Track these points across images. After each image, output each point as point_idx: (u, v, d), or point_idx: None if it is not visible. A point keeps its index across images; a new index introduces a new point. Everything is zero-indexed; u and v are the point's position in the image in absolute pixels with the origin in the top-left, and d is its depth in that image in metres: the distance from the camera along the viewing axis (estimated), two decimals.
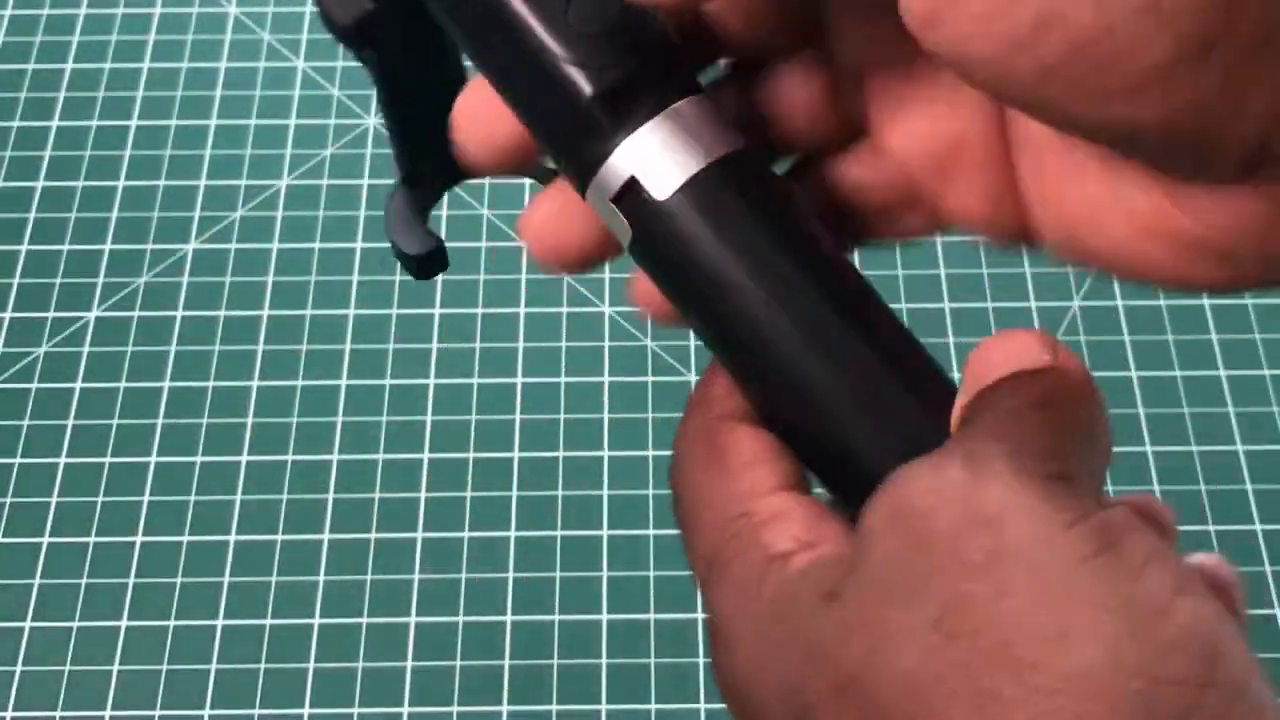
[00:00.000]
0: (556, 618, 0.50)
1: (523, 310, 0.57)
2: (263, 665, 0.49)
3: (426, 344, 0.56)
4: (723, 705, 0.49)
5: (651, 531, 0.52)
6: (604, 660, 0.49)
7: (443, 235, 0.59)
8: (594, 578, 0.51)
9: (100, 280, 0.58)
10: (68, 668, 0.49)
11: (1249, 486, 0.53)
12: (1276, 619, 0.50)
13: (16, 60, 0.65)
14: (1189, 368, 0.56)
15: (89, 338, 0.57)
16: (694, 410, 0.26)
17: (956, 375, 0.30)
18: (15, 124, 0.63)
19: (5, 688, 0.49)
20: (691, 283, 0.25)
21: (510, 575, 0.51)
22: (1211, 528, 0.52)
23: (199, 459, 0.54)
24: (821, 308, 0.24)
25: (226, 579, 0.51)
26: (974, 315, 0.57)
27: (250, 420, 0.55)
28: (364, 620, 0.50)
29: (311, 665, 0.49)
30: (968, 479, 0.21)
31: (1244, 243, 0.23)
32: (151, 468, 0.54)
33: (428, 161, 0.30)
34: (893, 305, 0.57)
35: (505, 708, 0.49)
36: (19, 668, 0.49)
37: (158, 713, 0.49)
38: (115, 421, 0.55)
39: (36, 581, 0.51)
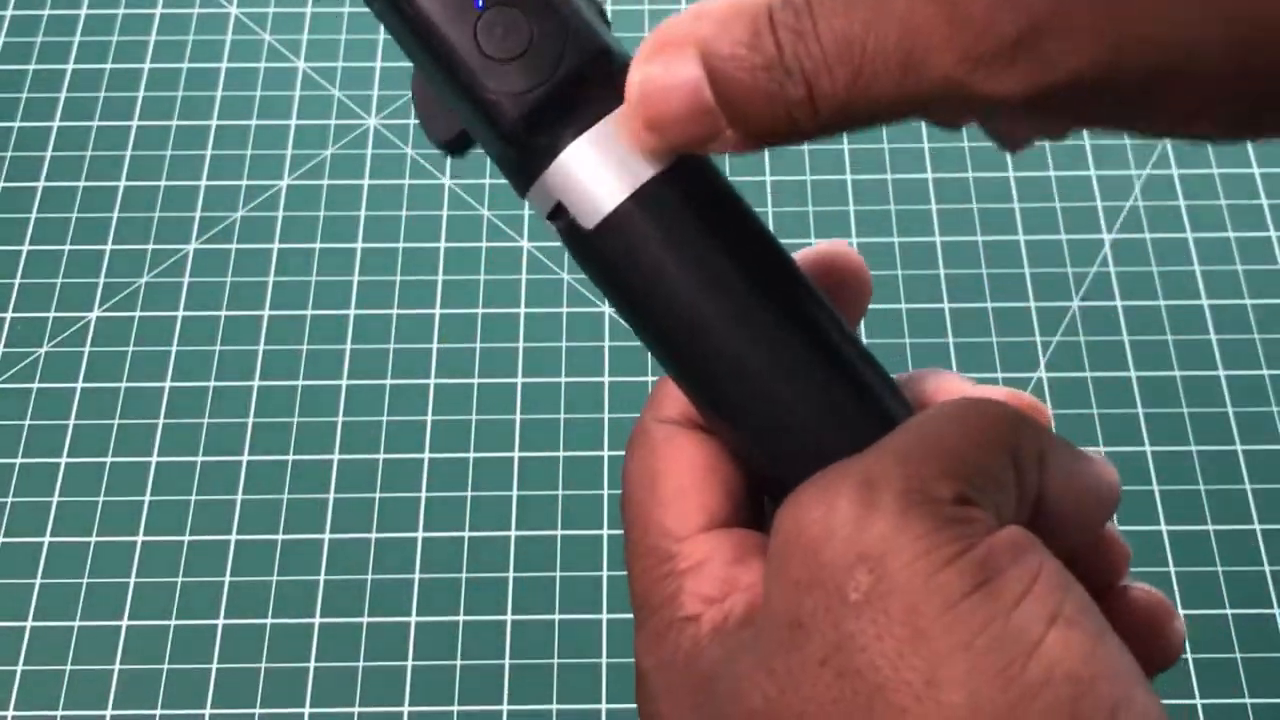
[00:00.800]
0: (556, 618, 0.50)
1: (523, 310, 0.57)
2: (263, 665, 0.50)
3: (427, 344, 0.56)
4: None
5: None
6: (604, 660, 0.49)
7: (443, 236, 0.59)
8: (594, 578, 0.51)
9: (101, 280, 0.58)
10: (68, 668, 0.50)
11: (1249, 486, 0.53)
12: (1276, 619, 0.50)
13: (17, 60, 0.65)
14: (1189, 368, 0.56)
15: (90, 338, 0.57)
16: (645, 407, 0.26)
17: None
18: (16, 124, 0.63)
19: (6, 688, 0.49)
20: (619, 302, 0.25)
21: (510, 575, 0.51)
22: (1211, 528, 0.52)
23: (199, 459, 0.54)
24: (756, 332, 0.24)
25: (226, 579, 0.51)
26: (974, 315, 0.57)
27: (250, 420, 0.55)
28: (364, 620, 0.50)
29: (311, 665, 0.49)
30: (854, 511, 0.21)
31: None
32: (152, 468, 0.54)
33: None
34: (892, 305, 0.57)
35: (505, 708, 0.49)
36: (19, 667, 0.50)
37: (158, 713, 0.49)
38: (116, 421, 0.55)
39: (37, 581, 0.51)
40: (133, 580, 0.51)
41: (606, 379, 0.56)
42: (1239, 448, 0.54)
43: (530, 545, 0.52)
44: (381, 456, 0.54)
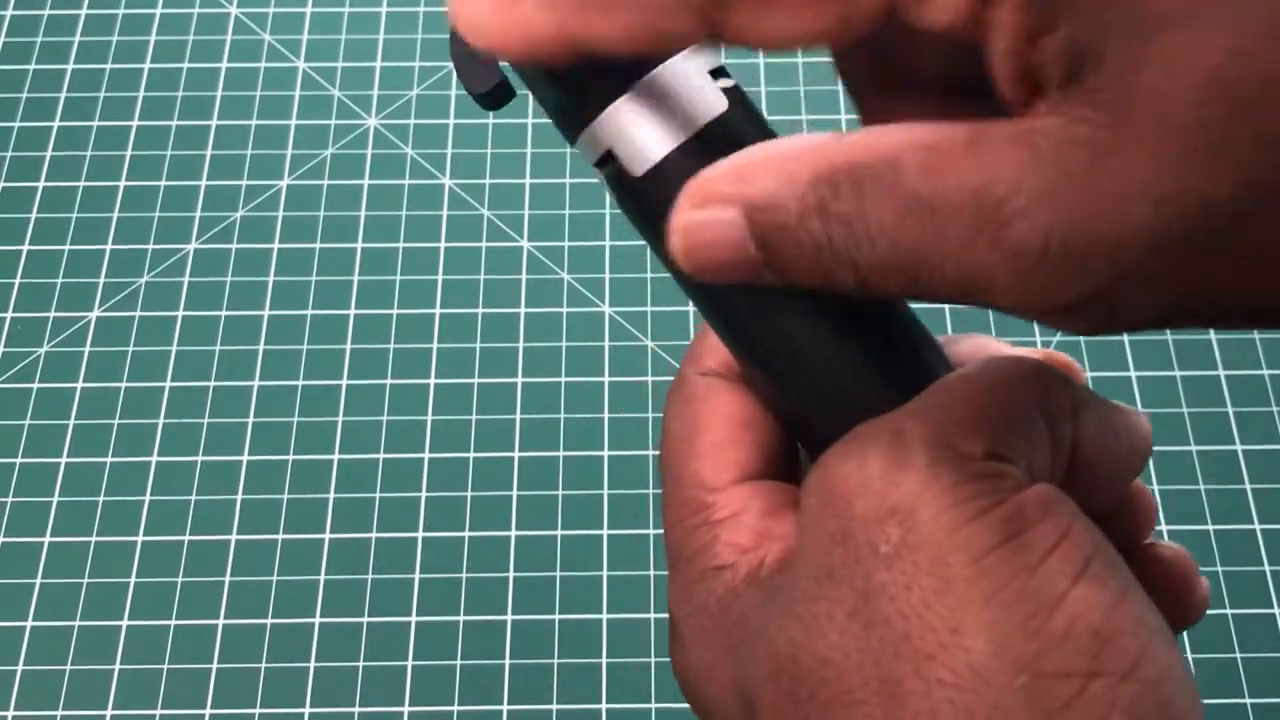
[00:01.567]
0: (556, 618, 0.50)
1: (523, 310, 0.57)
2: (263, 665, 0.50)
3: (427, 344, 0.56)
4: None
5: (651, 531, 0.52)
6: (604, 660, 0.49)
7: (443, 236, 0.59)
8: (594, 578, 0.51)
9: (101, 280, 0.58)
10: (68, 668, 0.50)
11: (1249, 486, 0.53)
12: (1276, 619, 0.50)
13: (17, 61, 0.65)
14: (1189, 368, 0.56)
15: (90, 338, 0.57)
16: (685, 360, 0.26)
17: None
18: (16, 124, 0.63)
19: (6, 688, 0.49)
20: (664, 251, 0.25)
21: (510, 575, 0.51)
22: (1211, 528, 0.52)
23: (199, 459, 0.54)
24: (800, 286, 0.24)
25: (227, 579, 0.51)
26: (974, 315, 0.57)
27: (251, 420, 0.55)
28: (364, 620, 0.50)
29: (311, 665, 0.50)
30: (885, 466, 0.21)
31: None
32: (152, 468, 0.54)
33: None
34: None
35: (505, 708, 0.49)
36: (19, 667, 0.50)
37: (158, 713, 0.49)
38: (116, 421, 0.55)
39: (37, 581, 0.51)
40: (133, 580, 0.51)
41: (606, 379, 0.56)
42: (1239, 448, 0.54)
43: (530, 545, 0.52)
44: (381, 456, 0.54)
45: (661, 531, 0.52)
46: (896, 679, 0.21)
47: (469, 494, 0.53)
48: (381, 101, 0.63)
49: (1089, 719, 0.20)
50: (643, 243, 0.59)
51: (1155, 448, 0.54)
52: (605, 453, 0.54)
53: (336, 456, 0.54)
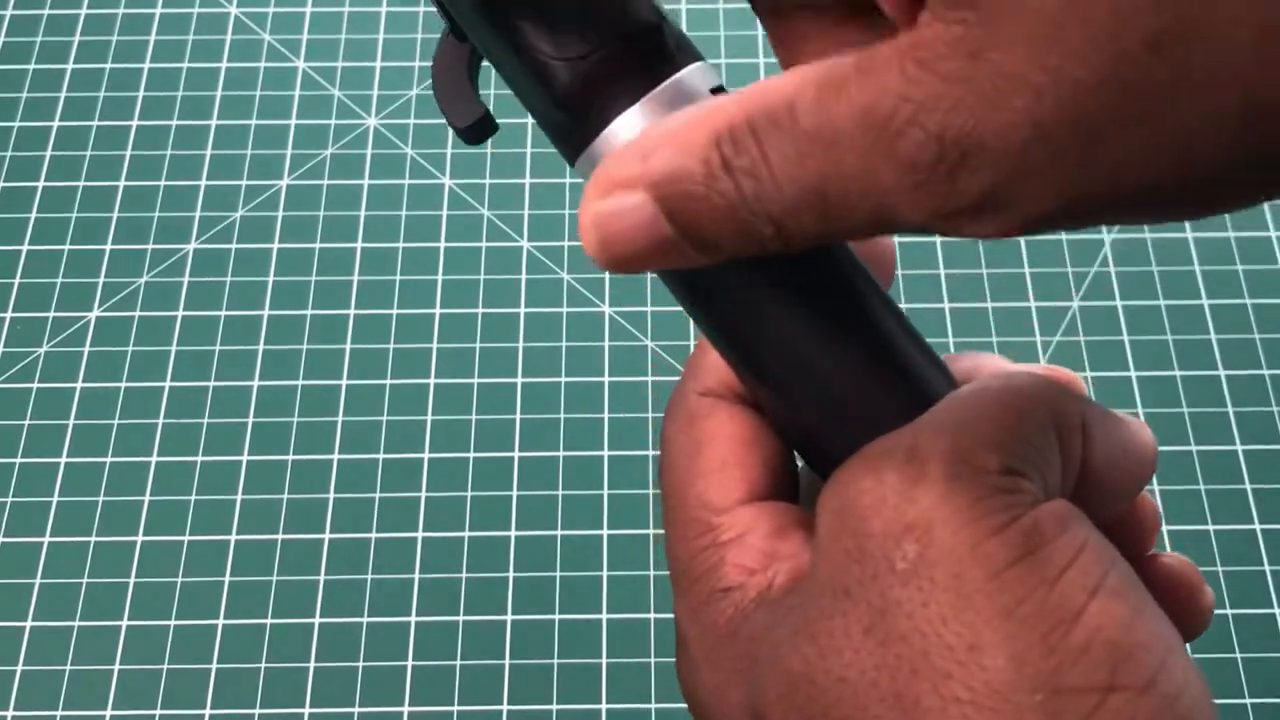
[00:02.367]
0: (556, 618, 0.50)
1: (523, 310, 0.57)
2: (263, 665, 0.49)
3: (427, 344, 0.56)
4: None
5: (651, 531, 0.52)
6: (604, 660, 0.49)
7: (443, 236, 0.59)
8: (594, 578, 0.51)
9: (101, 280, 0.58)
10: (68, 668, 0.50)
11: (1249, 486, 0.53)
12: (1276, 619, 0.50)
13: (17, 60, 0.65)
14: (1189, 368, 0.56)
15: (89, 337, 0.57)
16: (684, 380, 0.26)
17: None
18: (16, 124, 0.63)
19: (5, 688, 0.49)
20: (664, 270, 0.25)
21: (510, 575, 0.51)
22: (1211, 528, 0.52)
23: (199, 459, 0.54)
24: (804, 303, 0.24)
25: (226, 579, 0.51)
26: (974, 315, 0.57)
27: (250, 420, 0.55)
28: (364, 620, 0.50)
29: (311, 665, 0.49)
30: (902, 482, 0.21)
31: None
32: (152, 468, 0.54)
33: None
34: None
35: (505, 708, 0.49)
36: (19, 668, 0.50)
37: (158, 713, 0.49)
38: (116, 421, 0.55)
39: (36, 581, 0.51)
40: (132, 580, 0.51)
41: (606, 379, 0.56)
42: (1239, 448, 0.54)
43: (530, 545, 0.52)
44: (381, 456, 0.54)
45: (661, 532, 0.52)
46: (913, 697, 0.20)
47: (469, 494, 0.53)
48: (381, 101, 0.63)
49: None
50: None
51: (1158, 447, 0.54)
52: (605, 453, 0.54)
53: (336, 456, 0.54)
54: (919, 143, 0.19)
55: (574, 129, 0.25)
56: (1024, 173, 0.19)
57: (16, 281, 0.58)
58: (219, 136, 0.62)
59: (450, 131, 0.62)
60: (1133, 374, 0.55)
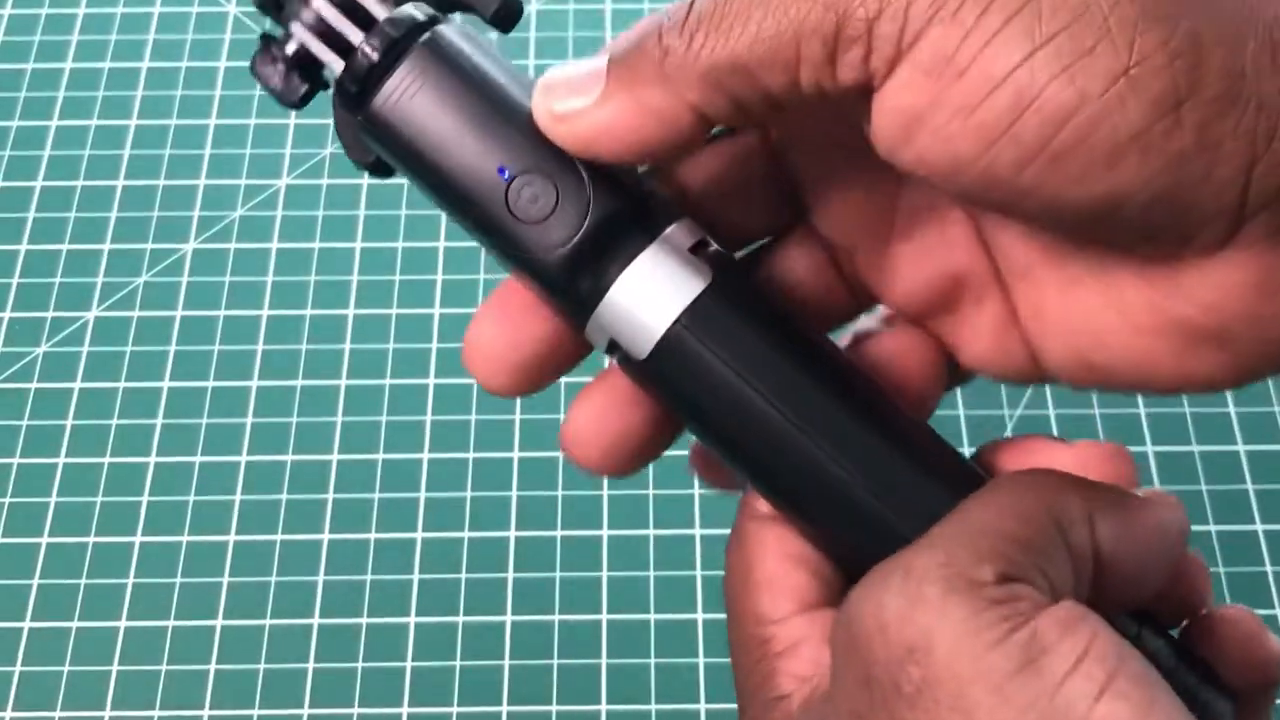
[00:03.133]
0: (556, 618, 0.50)
1: None
2: (263, 665, 0.49)
3: (426, 344, 0.56)
4: (722, 705, 0.49)
5: (651, 531, 0.52)
6: (604, 660, 0.49)
7: (442, 236, 0.59)
8: (594, 578, 0.51)
9: (100, 280, 0.58)
10: (67, 668, 0.49)
11: (1249, 486, 0.53)
12: (1277, 619, 0.50)
13: (15, 59, 0.65)
14: None
15: (88, 337, 0.57)
16: (739, 509, 0.27)
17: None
18: (15, 123, 0.63)
19: (5, 688, 0.49)
20: (685, 418, 0.26)
21: (510, 575, 0.51)
22: (1212, 528, 0.52)
23: (199, 459, 0.54)
24: (811, 428, 0.25)
25: (226, 579, 0.51)
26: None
27: (250, 420, 0.55)
28: (364, 620, 0.50)
29: (311, 665, 0.49)
30: (901, 605, 0.22)
31: (1235, 318, 0.23)
32: (151, 468, 0.54)
33: None
34: None
35: (505, 708, 0.49)
36: (18, 668, 0.49)
37: (158, 713, 0.49)
38: (115, 421, 0.55)
39: (36, 581, 0.51)
40: (131, 581, 0.51)
41: None
42: (1240, 448, 0.54)
43: (530, 545, 0.52)
44: (381, 457, 0.54)
45: (662, 533, 0.52)
46: None
47: (468, 494, 0.53)
48: None
49: None
50: None
51: (1157, 448, 0.54)
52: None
53: (335, 457, 0.54)
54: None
55: (574, 308, 0.26)
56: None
57: (14, 281, 0.58)
58: (218, 136, 0.62)
59: None
60: None
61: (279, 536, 0.52)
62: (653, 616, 0.50)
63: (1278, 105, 0.21)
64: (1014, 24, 0.21)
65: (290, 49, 0.27)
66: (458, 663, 0.49)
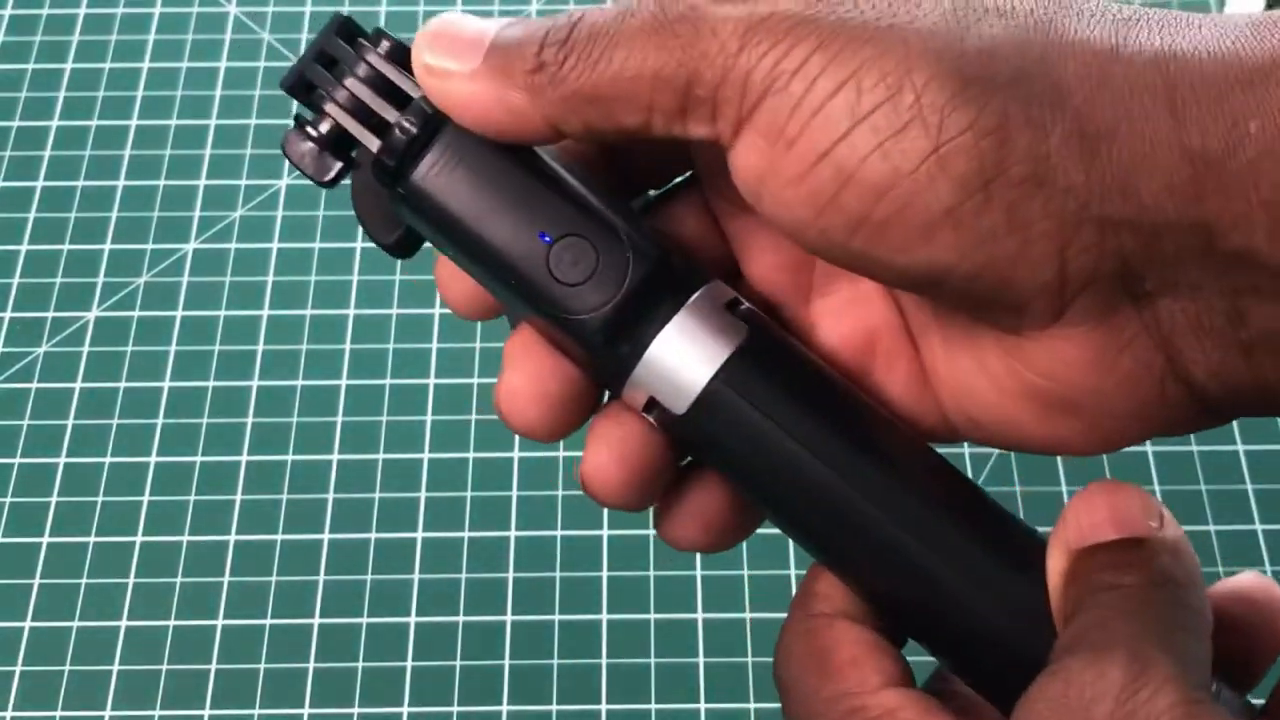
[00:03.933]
0: (556, 618, 0.50)
1: None
2: (263, 665, 0.49)
3: (426, 344, 0.56)
4: (722, 705, 0.49)
5: (651, 532, 0.52)
6: (604, 660, 0.49)
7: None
8: (594, 578, 0.51)
9: (100, 280, 0.58)
10: (68, 668, 0.49)
11: (1249, 486, 0.53)
12: None
13: (16, 60, 0.65)
14: None
15: (89, 337, 0.57)
16: (795, 609, 0.27)
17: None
18: (15, 124, 0.63)
19: (5, 688, 0.49)
20: (730, 476, 0.27)
21: (510, 575, 0.51)
22: (1212, 528, 0.52)
23: (199, 459, 0.54)
24: (864, 483, 0.26)
25: (226, 579, 0.51)
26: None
27: (250, 420, 0.55)
28: (364, 620, 0.50)
29: (311, 665, 0.49)
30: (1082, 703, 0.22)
31: (1078, 390, 0.24)
32: (151, 468, 0.54)
33: None
34: None
35: (505, 708, 0.49)
36: (19, 668, 0.49)
37: (158, 713, 0.49)
38: (115, 421, 0.55)
39: (36, 581, 0.51)
40: (131, 580, 0.51)
41: None
42: (1240, 448, 0.54)
43: (530, 545, 0.52)
44: (381, 456, 0.54)
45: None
46: None
47: (468, 494, 0.53)
48: None
49: None
50: None
51: (1156, 448, 0.54)
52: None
53: (336, 457, 0.54)
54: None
55: (612, 368, 0.27)
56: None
57: (15, 281, 0.58)
58: (218, 136, 0.62)
59: None
60: None
61: (279, 536, 0.52)
62: (653, 616, 0.50)
63: (1084, 193, 0.22)
64: (837, 99, 0.22)
65: (324, 128, 0.28)
66: (458, 663, 0.49)
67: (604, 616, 0.50)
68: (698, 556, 0.51)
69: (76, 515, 0.53)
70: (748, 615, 0.50)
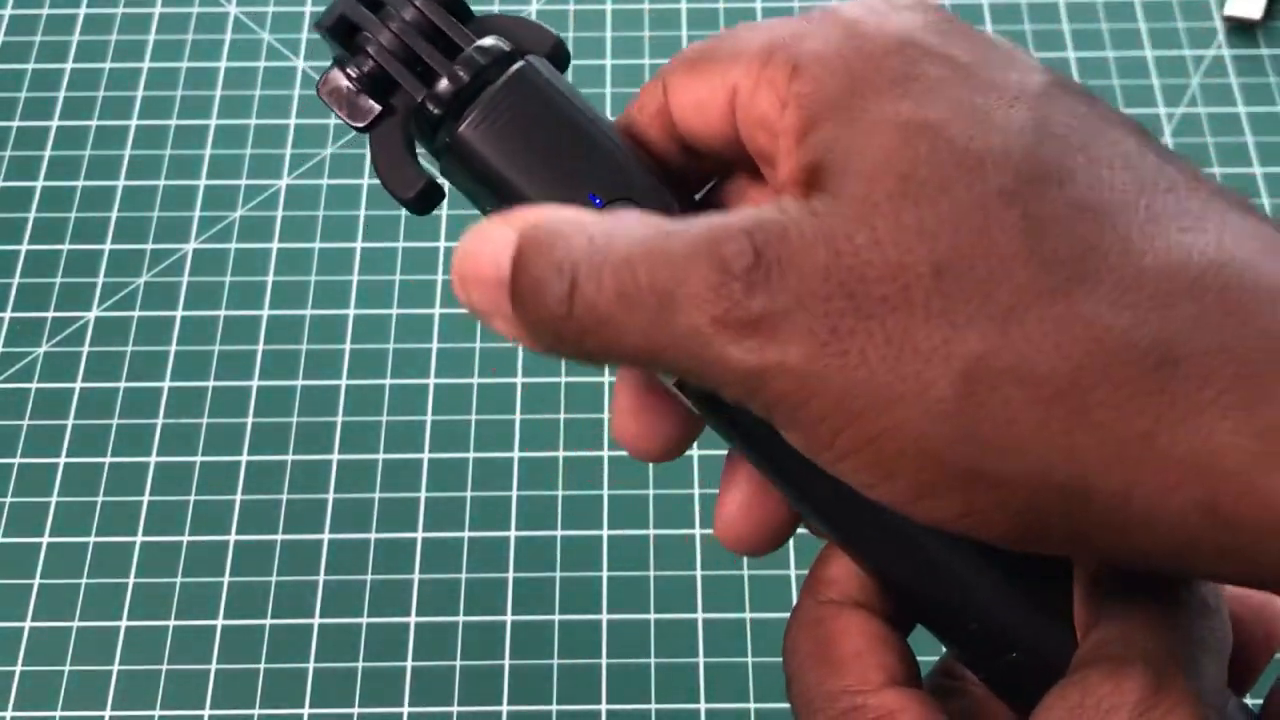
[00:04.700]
0: (556, 618, 0.50)
1: None
2: (263, 665, 0.49)
3: (426, 344, 0.56)
4: (722, 705, 0.49)
5: (651, 531, 0.52)
6: (604, 660, 0.49)
7: (442, 235, 0.59)
8: (594, 578, 0.51)
9: (100, 280, 0.58)
10: (68, 668, 0.49)
11: None
12: None
13: (16, 60, 0.65)
14: None
15: (89, 337, 0.57)
16: (805, 594, 0.27)
17: None
18: (15, 124, 0.63)
19: (5, 688, 0.49)
20: (754, 453, 0.26)
21: (510, 575, 0.51)
22: None
23: (199, 459, 0.54)
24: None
25: (226, 579, 0.51)
26: None
27: (250, 420, 0.55)
28: (364, 620, 0.50)
29: (311, 665, 0.49)
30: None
31: None
32: (151, 468, 0.54)
33: None
34: None
35: (505, 708, 0.49)
36: (19, 668, 0.49)
37: (158, 713, 0.49)
38: (115, 421, 0.55)
39: (36, 581, 0.51)
40: (131, 580, 0.51)
41: (606, 379, 0.56)
42: None
43: (530, 545, 0.52)
44: (381, 456, 0.54)
45: (662, 533, 0.52)
46: None
47: (469, 494, 0.53)
48: None
49: None
50: None
51: None
52: (605, 453, 0.54)
53: (336, 457, 0.54)
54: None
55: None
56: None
57: (15, 281, 0.58)
58: (218, 136, 0.62)
59: None
60: None
61: (279, 536, 0.52)
62: (653, 616, 0.50)
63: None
64: (862, 457, 0.21)
65: (366, 68, 0.27)
66: (458, 663, 0.49)
67: (604, 616, 0.50)
68: (698, 557, 0.51)
69: (76, 515, 0.53)
70: (748, 615, 0.50)
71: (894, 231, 0.21)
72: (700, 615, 0.50)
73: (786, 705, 0.48)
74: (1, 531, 0.52)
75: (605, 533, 0.52)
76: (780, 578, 0.51)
